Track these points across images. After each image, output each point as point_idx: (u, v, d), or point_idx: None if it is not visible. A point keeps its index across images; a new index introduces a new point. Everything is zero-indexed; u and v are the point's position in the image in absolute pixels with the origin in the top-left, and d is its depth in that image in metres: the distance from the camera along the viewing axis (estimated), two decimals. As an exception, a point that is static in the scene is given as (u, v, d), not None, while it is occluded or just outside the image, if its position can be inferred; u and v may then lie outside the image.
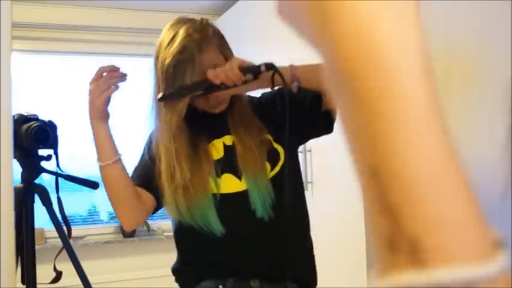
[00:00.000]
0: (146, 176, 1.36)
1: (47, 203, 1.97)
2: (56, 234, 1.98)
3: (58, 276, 1.99)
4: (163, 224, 3.58)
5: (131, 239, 3.48)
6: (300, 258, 1.37)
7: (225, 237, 1.28)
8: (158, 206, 1.38)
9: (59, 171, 1.98)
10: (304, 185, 2.32)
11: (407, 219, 0.27)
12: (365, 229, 2.10)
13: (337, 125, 1.42)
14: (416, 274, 0.26)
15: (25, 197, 1.93)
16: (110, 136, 1.34)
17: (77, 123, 3.37)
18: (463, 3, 1.88)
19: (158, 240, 3.53)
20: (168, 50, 1.25)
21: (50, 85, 3.44)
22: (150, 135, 1.40)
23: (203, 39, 1.26)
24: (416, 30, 0.30)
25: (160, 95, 1.24)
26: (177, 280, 1.40)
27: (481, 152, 1.76)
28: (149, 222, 3.57)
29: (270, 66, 1.23)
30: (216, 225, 1.27)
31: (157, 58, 1.28)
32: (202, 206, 1.27)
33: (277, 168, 1.32)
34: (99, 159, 1.34)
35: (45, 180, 2.18)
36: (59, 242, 1.97)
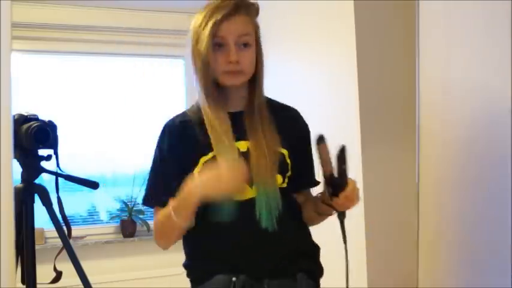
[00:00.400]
0: (169, 185, 1.32)
1: (47, 203, 1.96)
2: (56, 234, 1.98)
3: (58, 276, 1.99)
4: (163, 224, 3.58)
5: (131, 239, 3.48)
6: (307, 254, 1.39)
7: (235, 239, 1.30)
8: None
9: (59, 171, 1.98)
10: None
11: None
12: (365, 229, 2.10)
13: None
14: None
15: (25, 197, 1.92)
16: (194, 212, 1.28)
17: (77, 123, 3.38)
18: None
19: (158, 240, 3.52)
20: (210, 9, 1.32)
21: (50, 85, 3.43)
22: (164, 129, 1.39)
23: (242, 3, 1.33)
24: None
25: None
26: (188, 275, 1.41)
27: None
28: (149, 222, 3.57)
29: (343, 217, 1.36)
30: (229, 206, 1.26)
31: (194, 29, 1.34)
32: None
33: (286, 180, 1.35)
34: (179, 214, 1.27)
35: (45, 180, 2.18)
36: (59, 242, 1.97)
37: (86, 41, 3.48)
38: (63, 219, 1.99)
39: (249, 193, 1.29)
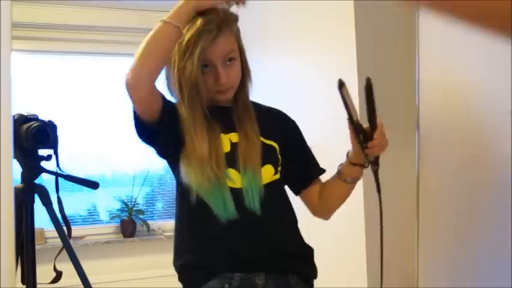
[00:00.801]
0: (169, 103, 1.37)
1: (47, 203, 1.96)
2: (56, 234, 1.98)
3: (58, 276, 1.99)
4: (164, 224, 3.58)
5: (131, 239, 3.48)
6: (299, 253, 1.42)
7: (229, 228, 1.32)
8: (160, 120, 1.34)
9: (59, 171, 1.98)
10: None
11: None
12: (365, 229, 2.10)
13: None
14: None
15: (25, 197, 1.92)
16: (189, 17, 1.31)
17: (77, 123, 3.39)
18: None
19: (158, 240, 3.53)
20: (191, 27, 1.30)
21: (50, 85, 3.43)
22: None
23: (224, 22, 1.33)
24: None
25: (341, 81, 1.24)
26: (181, 279, 1.40)
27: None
28: (149, 222, 3.57)
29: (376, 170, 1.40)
30: (231, 207, 1.31)
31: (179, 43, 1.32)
32: (223, 181, 1.32)
33: (277, 176, 1.40)
34: (171, 16, 1.31)
35: (45, 180, 2.18)
36: (59, 242, 1.97)
37: (86, 41, 3.48)
38: (63, 219, 1.99)
39: (239, 182, 1.34)
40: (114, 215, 3.58)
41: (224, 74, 1.32)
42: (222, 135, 1.38)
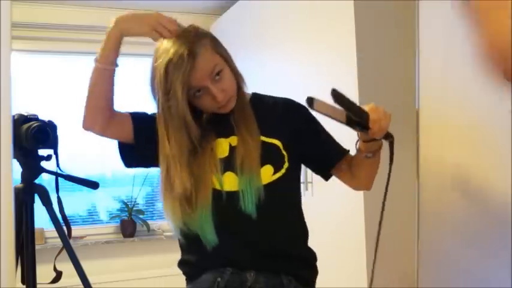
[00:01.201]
0: (142, 119, 1.42)
1: (47, 203, 1.96)
2: (56, 234, 1.98)
3: (58, 276, 1.99)
4: (163, 224, 3.58)
5: (131, 239, 3.48)
6: (294, 256, 1.41)
7: (222, 231, 1.33)
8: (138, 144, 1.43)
9: (59, 171, 1.98)
10: (304, 185, 2.32)
11: None
12: (365, 229, 2.10)
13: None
14: None
15: (25, 197, 1.92)
16: (118, 47, 1.36)
17: (77, 123, 3.38)
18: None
19: (158, 240, 3.53)
20: (165, 54, 1.28)
21: (50, 85, 3.44)
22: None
23: (194, 43, 1.28)
24: None
25: (310, 98, 1.22)
26: (183, 273, 1.46)
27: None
28: (149, 222, 3.57)
29: (392, 140, 1.39)
30: (211, 237, 1.33)
31: (155, 67, 1.32)
32: (199, 218, 1.32)
33: (281, 172, 1.38)
34: (98, 59, 1.38)
35: (45, 180, 2.18)
36: (59, 242, 1.97)
37: (86, 41, 3.48)
38: (63, 219, 1.99)
39: (236, 185, 1.34)
40: (114, 215, 3.58)
41: (218, 90, 1.30)
42: (222, 140, 1.38)
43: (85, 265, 1.96)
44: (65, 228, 1.98)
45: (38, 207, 1.97)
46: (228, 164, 1.35)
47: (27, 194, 1.93)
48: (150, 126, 1.35)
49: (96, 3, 3.38)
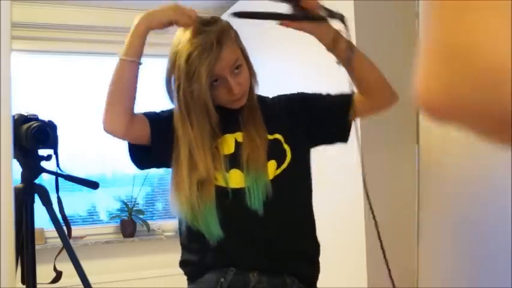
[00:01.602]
0: (157, 120, 1.40)
1: (47, 203, 1.96)
2: (56, 234, 1.98)
3: (58, 276, 1.99)
4: (163, 224, 3.58)
5: (131, 239, 3.48)
6: (299, 254, 1.41)
7: (227, 229, 1.33)
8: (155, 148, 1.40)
9: (59, 171, 1.98)
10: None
11: None
12: (365, 229, 2.10)
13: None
14: None
15: (25, 197, 1.92)
16: (143, 43, 1.34)
17: (77, 123, 3.39)
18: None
19: (158, 240, 3.53)
20: (190, 41, 1.29)
21: (50, 85, 3.44)
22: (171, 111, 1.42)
23: (221, 33, 1.31)
24: None
25: (234, 12, 1.23)
26: (185, 273, 1.46)
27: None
28: (149, 222, 3.57)
29: (341, 18, 1.31)
30: (215, 230, 1.32)
31: (175, 53, 1.32)
32: (204, 211, 1.32)
33: (283, 166, 1.38)
34: (124, 53, 1.35)
35: (45, 180, 2.18)
36: (59, 242, 1.97)
37: (86, 41, 3.48)
38: (63, 219, 1.99)
39: (242, 182, 1.34)
40: (114, 215, 3.58)
41: (235, 83, 1.32)
42: (228, 136, 1.39)
43: (85, 265, 1.96)
44: (65, 228, 1.98)
45: (38, 207, 1.97)
46: (234, 161, 1.35)
47: (27, 194, 1.93)
48: (164, 126, 1.37)
49: (96, 3, 3.37)
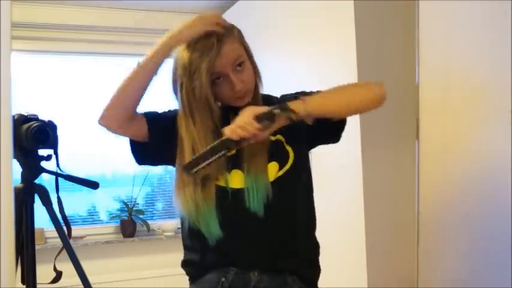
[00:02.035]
0: (156, 119, 1.41)
1: (47, 203, 1.96)
2: (56, 234, 1.98)
3: (58, 276, 1.99)
4: (163, 224, 3.58)
5: (131, 239, 3.48)
6: (300, 254, 1.41)
7: (227, 229, 1.33)
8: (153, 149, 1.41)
9: (59, 171, 1.98)
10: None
11: None
12: (365, 229, 2.10)
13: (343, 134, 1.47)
14: None
15: (25, 197, 1.92)
16: (168, 53, 1.35)
17: (77, 123, 3.38)
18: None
19: (158, 240, 3.53)
20: (193, 42, 1.31)
21: (50, 85, 3.44)
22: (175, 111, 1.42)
23: (222, 34, 1.31)
24: None
25: (184, 166, 1.25)
26: (186, 273, 1.46)
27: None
28: (149, 222, 3.57)
29: (283, 109, 1.25)
30: (215, 230, 1.32)
31: (179, 53, 1.33)
32: (204, 210, 1.32)
33: (286, 168, 1.38)
34: (150, 53, 1.35)
35: (45, 180, 2.18)
36: (59, 242, 1.97)
37: (86, 41, 3.48)
38: (63, 219, 1.99)
39: (242, 182, 1.34)
40: (114, 215, 3.58)
41: (238, 79, 1.32)
42: None
43: (85, 265, 1.96)
44: (65, 228, 1.98)
45: (38, 207, 1.97)
46: (235, 162, 1.35)
47: (27, 194, 1.93)
48: (164, 125, 1.38)
49: (96, 3, 3.38)
